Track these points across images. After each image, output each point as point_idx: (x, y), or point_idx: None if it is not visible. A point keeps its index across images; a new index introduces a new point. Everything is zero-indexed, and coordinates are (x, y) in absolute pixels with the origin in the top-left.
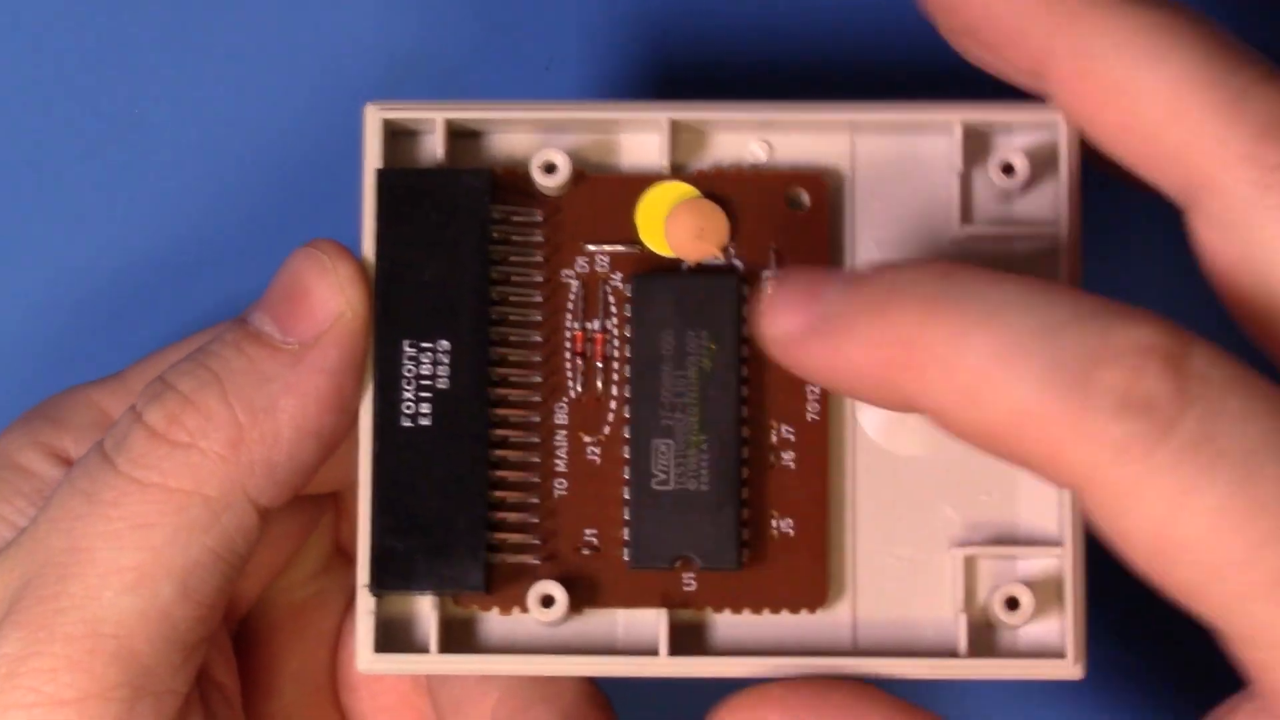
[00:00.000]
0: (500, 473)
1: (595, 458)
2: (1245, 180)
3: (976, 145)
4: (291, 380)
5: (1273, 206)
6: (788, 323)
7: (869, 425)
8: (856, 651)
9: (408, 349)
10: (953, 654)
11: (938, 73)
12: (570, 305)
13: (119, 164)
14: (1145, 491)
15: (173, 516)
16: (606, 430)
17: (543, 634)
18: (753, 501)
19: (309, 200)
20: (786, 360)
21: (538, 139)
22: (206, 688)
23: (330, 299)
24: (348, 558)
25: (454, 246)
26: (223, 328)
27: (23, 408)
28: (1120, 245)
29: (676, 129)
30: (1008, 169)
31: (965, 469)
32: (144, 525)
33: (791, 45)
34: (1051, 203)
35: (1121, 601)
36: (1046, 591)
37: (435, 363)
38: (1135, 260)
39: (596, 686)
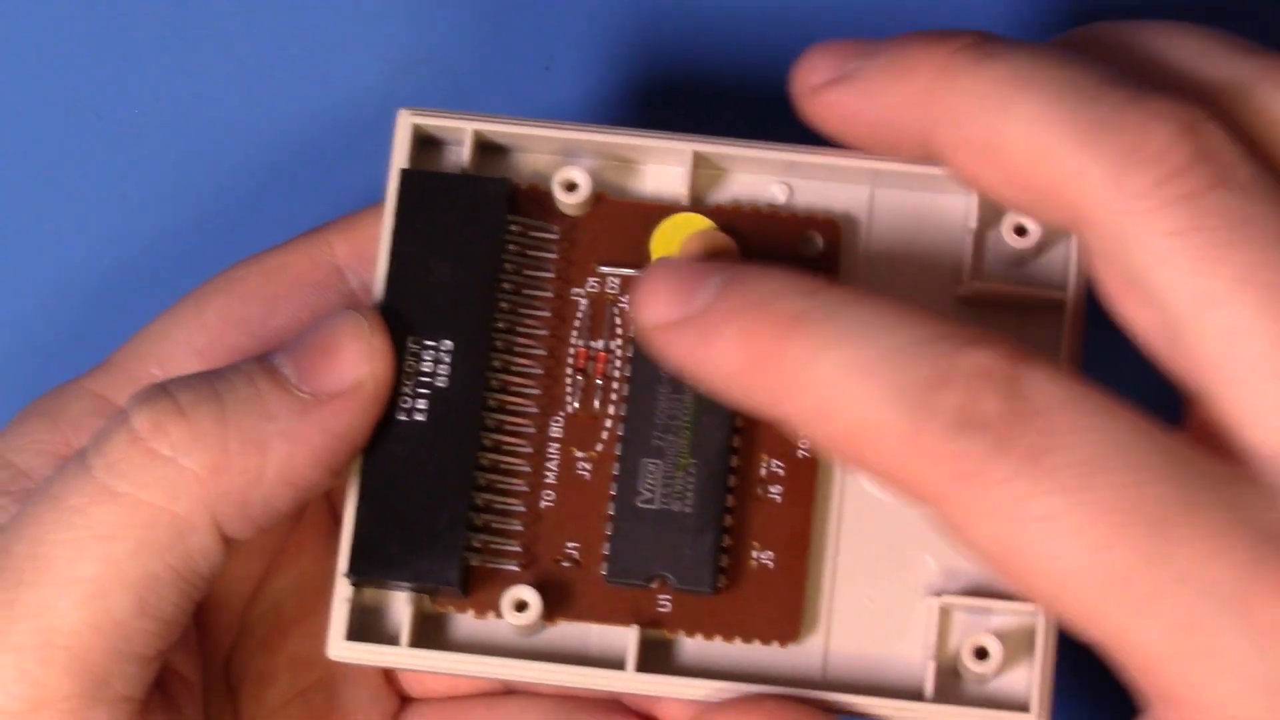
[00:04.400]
0: (488, 475)
1: (585, 473)
2: (1114, 211)
3: (993, 206)
4: (292, 428)
5: (1143, 235)
6: (661, 312)
7: None
8: (825, 685)
9: (410, 344)
10: (918, 697)
11: None
12: (577, 323)
13: (113, 162)
14: (984, 506)
15: (137, 530)
16: (599, 448)
17: (514, 639)
18: (735, 530)
19: (306, 197)
20: (655, 348)
21: (561, 160)
22: (170, 682)
23: (357, 364)
24: None
25: (467, 250)
26: (241, 359)
27: (21, 405)
28: None
29: (699, 162)
30: (1020, 230)
31: None
32: (107, 536)
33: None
34: (1062, 267)
35: (1093, 660)
36: (1017, 644)
37: (436, 361)
38: None
39: None
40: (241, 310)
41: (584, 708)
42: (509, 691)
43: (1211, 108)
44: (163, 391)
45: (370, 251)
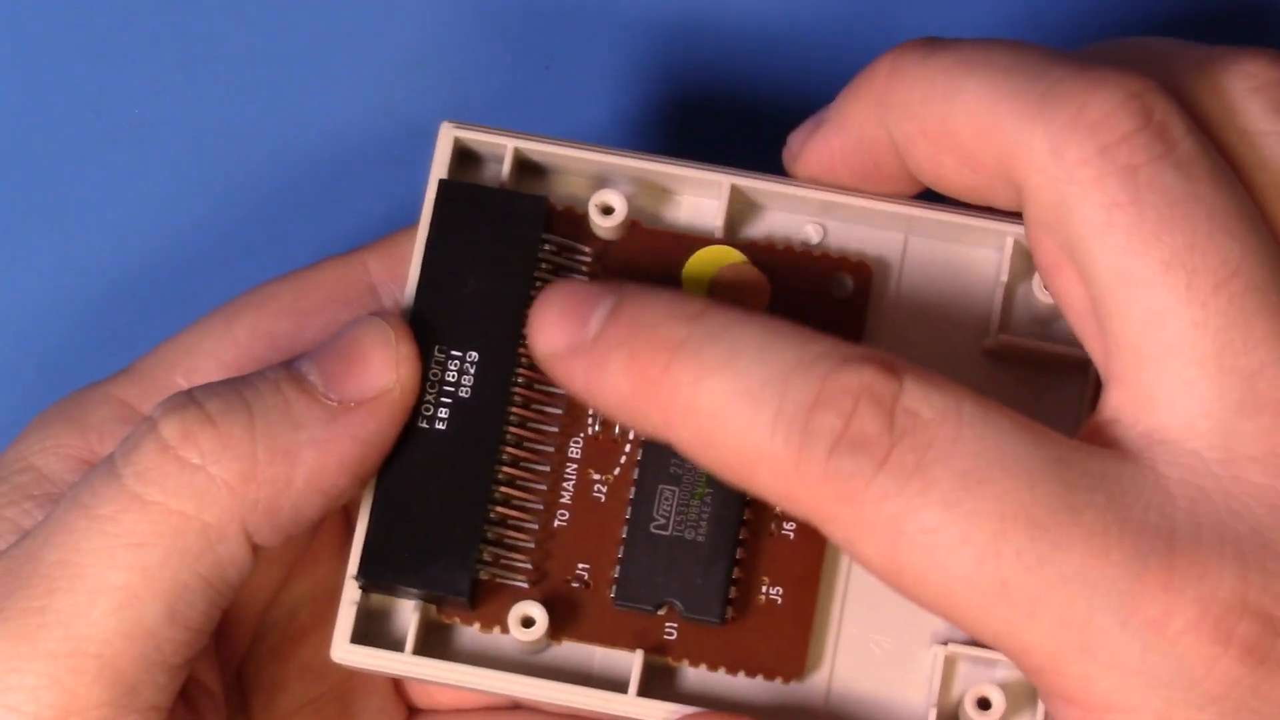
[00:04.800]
0: (504, 490)
1: (600, 496)
2: (1055, 178)
3: (1026, 264)
4: (320, 435)
5: (1082, 204)
6: (554, 341)
7: None
8: None
9: (436, 353)
10: None
11: None
12: None
13: (122, 166)
14: (868, 522)
15: (168, 539)
16: (616, 472)
17: (519, 654)
18: (746, 563)
19: (313, 198)
20: (551, 376)
21: (596, 183)
22: (194, 692)
23: (385, 370)
24: None
25: (500, 264)
26: (266, 367)
27: (36, 407)
28: None
29: (735, 196)
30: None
31: None
32: (139, 544)
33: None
34: None
35: None
36: (1020, 697)
37: (461, 371)
38: None
39: None
40: (272, 325)
41: None
42: (515, 707)
43: (1160, 80)
44: (191, 400)
45: (404, 271)
